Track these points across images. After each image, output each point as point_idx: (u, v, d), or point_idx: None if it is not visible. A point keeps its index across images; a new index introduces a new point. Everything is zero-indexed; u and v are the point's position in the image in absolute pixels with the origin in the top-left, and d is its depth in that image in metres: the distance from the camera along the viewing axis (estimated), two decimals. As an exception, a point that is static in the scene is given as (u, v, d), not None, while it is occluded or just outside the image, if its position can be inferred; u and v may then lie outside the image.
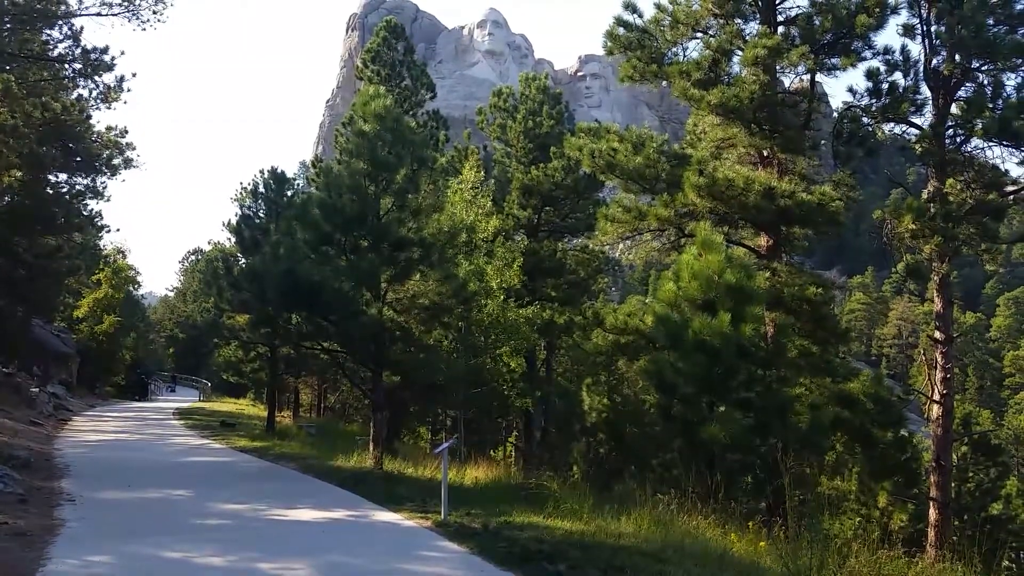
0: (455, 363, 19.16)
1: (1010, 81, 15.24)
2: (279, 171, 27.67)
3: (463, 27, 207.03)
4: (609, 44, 17.44)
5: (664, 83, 17.94)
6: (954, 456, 20.56)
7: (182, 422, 28.57)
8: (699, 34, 17.10)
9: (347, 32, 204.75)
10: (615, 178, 17.67)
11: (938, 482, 15.21)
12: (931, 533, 14.88)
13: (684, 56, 17.23)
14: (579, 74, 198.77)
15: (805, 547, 8.69)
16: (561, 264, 27.04)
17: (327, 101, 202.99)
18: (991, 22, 15.14)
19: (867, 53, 15.68)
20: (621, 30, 17.19)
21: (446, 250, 16.99)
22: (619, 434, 21.71)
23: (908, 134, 16.70)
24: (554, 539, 9.07)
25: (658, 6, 17.16)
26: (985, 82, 15.47)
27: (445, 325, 18.02)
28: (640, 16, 17.18)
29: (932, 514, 15.12)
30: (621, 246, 21.21)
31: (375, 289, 16.12)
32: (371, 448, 16.61)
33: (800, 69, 16.30)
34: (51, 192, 29.66)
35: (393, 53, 30.75)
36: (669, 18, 17.04)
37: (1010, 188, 16.05)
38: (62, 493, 11.40)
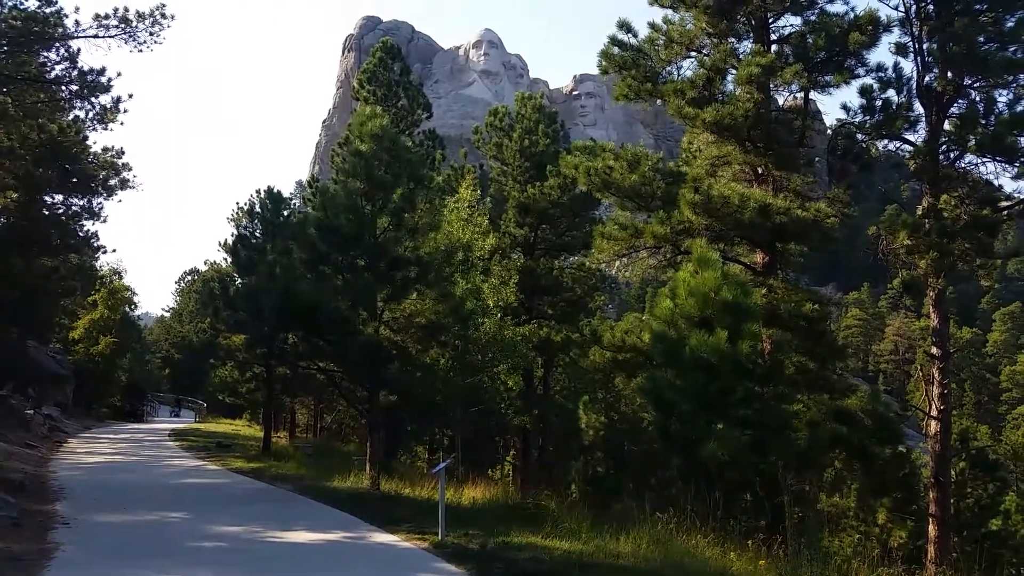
0: (452, 382, 19.11)
1: (1002, 97, 15.32)
2: (275, 191, 27.75)
3: (459, 47, 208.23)
4: (604, 63, 17.53)
5: (659, 102, 18.01)
6: (952, 472, 20.50)
7: (178, 443, 28.42)
8: (693, 53, 17.20)
9: (343, 53, 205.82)
10: (611, 196, 17.70)
11: (937, 498, 15.15)
12: (931, 550, 14.80)
13: (678, 75, 17.31)
14: (574, 93, 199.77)
15: (805, 565, 8.67)
16: (558, 282, 27.05)
17: (323, 121, 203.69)
18: (982, 39, 15.25)
19: (860, 70, 15.76)
20: (616, 50, 17.29)
21: (443, 269, 17.01)
22: (617, 452, 21.68)
23: (902, 150, 16.76)
24: (552, 559, 9.02)
25: (652, 26, 17.27)
26: (977, 98, 15.56)
27: (442, 344, 18.00)
28: (635, 36, 17.28)
29: (931, 530, 15.04)
30: (618, 263, 21.21)
31: (372, 308, 16.11)
32: (368, 468, 16.53)
33: (794, 87, 16.38)
34: (47, 213, 29.67)
35: (389, 73, 30.88)
36: (663, 38, 17.15)
37: (1004, 203, 16.09)
38: (56, 516, 11.32)
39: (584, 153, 18.09)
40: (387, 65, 30.89)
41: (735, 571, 8.91)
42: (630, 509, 12.80)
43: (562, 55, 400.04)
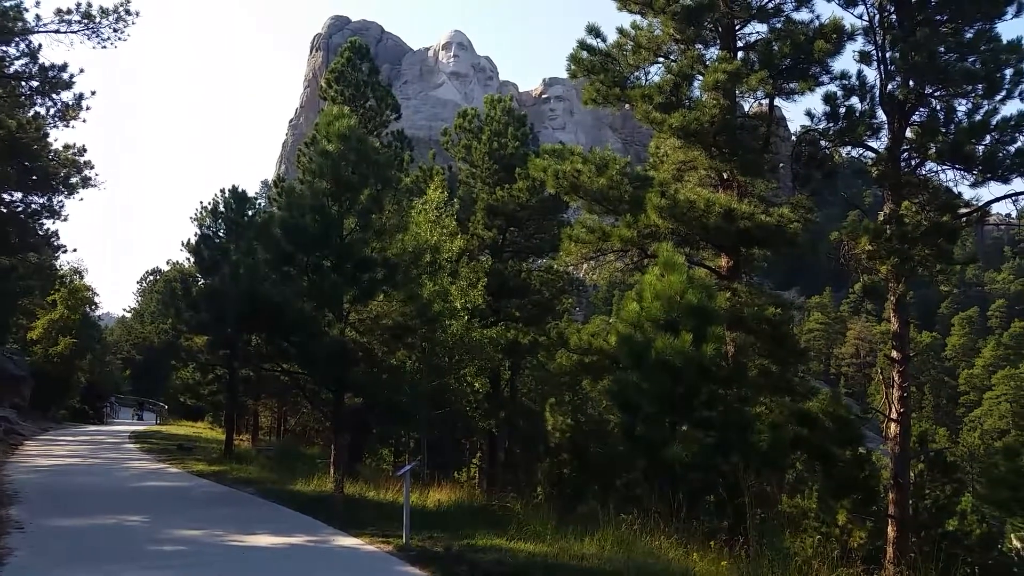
0: (419, 384, 19.03)
1: (961, 106, 15.61)
2: (240, 190, 27.39)
3: (428, 48, 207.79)
4: (573, 67, 17.61)
5: (627, 106, 18.12)
6: (911, 473, 20.84)
7: (138, 446, 27.95)
8: (661, 59, 17.35)
9: (311, 52, 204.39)
10: (579, 199, 17.78)
11: (896, 499, 15.40)
12: (889, 550, 15.04)
13: (646, 80, 17.45)
14: (543, 96, 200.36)
15: (766, 565, 8.75)
16: (526, 284, 27.10)
17: (290, 120, 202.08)
18: (943, 50, 15.56)
19: (825, 78, 16.02)
20: (585, 54, 17.38)
21: (410, 270, 16.93)
22: (583, 454, 21.70)
23: (865, 157, 17.03)
24: (517, 562, 9.02)
25: (621, 31, 17.39)
26: (938, 107, 15.86)
27: (409, 346, 17.91)
28: (603, 40, 17.39)
29: (890, 531, 15.29)
30: (585, 266, 21.31)
31: (337, 310, 15.97)
32: (332, 471, 16.38)
33: (759, 93, 16.59)
34: (5, 211, 29.02)
35: (358, 73, 30.71)
36: (631, 43, 17.27)
37: (963, 210, 16.40)
38: (10, 521, 11.05)
39: (553, 156, 18.14)
40: (355, 65, 30.72)
41: (698, 572, 8.97)
42: (595, 511, 12.84)
43: (531, 58, 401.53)
